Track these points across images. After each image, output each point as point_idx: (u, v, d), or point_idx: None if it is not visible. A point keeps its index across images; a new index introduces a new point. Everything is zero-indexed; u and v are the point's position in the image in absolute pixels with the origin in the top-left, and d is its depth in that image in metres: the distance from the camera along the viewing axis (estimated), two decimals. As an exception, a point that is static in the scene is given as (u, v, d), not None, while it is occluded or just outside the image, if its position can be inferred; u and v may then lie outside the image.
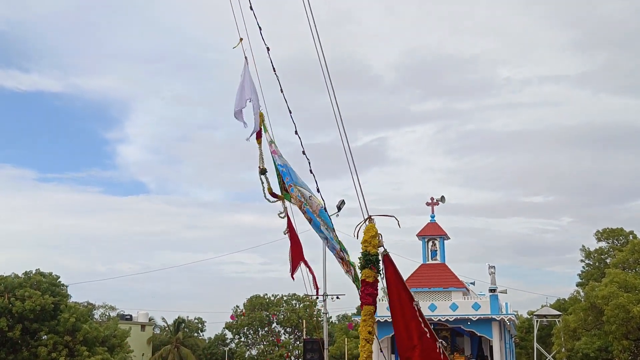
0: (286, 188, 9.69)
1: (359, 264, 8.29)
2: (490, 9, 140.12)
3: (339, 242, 9.14)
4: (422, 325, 7.97)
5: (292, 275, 10.79)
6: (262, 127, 9.61)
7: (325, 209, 9.32)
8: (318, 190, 9.11)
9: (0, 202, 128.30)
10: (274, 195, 9.93)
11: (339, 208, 34.25)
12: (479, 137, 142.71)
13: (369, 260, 8.06)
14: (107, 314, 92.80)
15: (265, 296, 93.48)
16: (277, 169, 9.69)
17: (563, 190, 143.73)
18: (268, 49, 8.79)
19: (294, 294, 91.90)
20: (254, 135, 9.73)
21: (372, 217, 8.20)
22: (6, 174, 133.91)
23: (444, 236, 39.69)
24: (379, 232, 8.16)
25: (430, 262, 39.24)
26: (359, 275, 8.57)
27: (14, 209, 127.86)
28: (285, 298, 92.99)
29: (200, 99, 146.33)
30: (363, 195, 8.41)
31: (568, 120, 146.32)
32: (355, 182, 8.49)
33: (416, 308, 8.03)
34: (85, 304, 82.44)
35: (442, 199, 40.48)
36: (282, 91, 8.65)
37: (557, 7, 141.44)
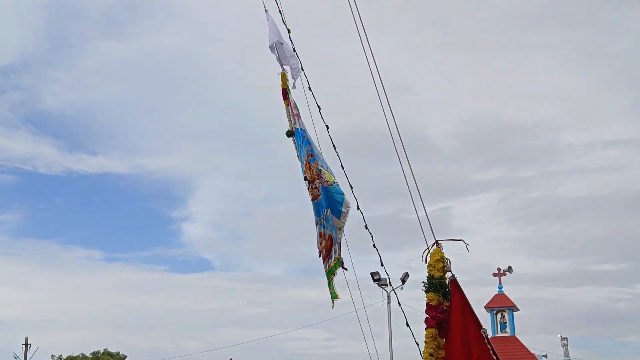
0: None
1: (423, 288, 8.23)
2: (549, 74, 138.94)
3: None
4: (490, 352, 7.95)
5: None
6: (287, 87, 9.36)
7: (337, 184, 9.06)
8: (382, 265, 9.02)
9: (69, 283, 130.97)
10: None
11: (403, 281, 33.87)
12: (545, 204, 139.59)
13: (432, 284, 8.14)
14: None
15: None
16: (295, 133, 9.29)
17: (635, 256, 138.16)
18: (327, 127, 8.96)
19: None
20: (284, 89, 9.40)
21: (439, 241, 8.24)
22: (75, 255, 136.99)
23: (512, 307, 38.68)
24: (446, 257, 8.23)
25: (500, 334, 38.10)
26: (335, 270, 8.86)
27: (81, 289, 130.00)
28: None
29: (261, 174, 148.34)
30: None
31: (637, 185, 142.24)
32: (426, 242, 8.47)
33: (484, 335, 8.02)
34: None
35: (509, 269, 39.64)
36: (342, 167, 8.75)
37: (618, 68, 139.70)
